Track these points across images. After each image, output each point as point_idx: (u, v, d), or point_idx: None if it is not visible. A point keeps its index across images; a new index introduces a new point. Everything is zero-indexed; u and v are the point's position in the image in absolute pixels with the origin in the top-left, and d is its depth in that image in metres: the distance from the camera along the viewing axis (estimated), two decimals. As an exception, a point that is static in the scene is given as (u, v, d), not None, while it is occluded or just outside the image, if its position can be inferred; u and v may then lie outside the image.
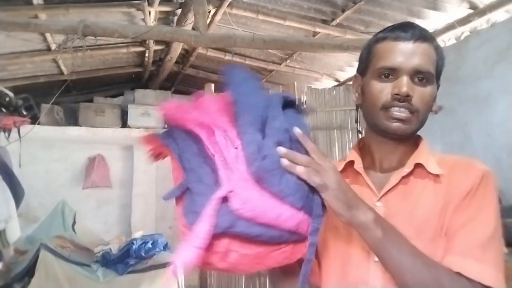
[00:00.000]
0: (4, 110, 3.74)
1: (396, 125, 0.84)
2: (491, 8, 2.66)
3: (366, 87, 0.89)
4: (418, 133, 0.91)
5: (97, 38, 2.88)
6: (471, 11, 2.78)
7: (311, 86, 3.50)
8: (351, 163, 0.93)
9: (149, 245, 3.43)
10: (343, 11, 3.16)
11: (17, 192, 3.39)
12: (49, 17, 3.02)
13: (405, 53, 0.84)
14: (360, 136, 3.13)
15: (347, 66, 4.29)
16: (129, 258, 3.33)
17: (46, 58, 3.85)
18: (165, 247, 3.59)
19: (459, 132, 2.72)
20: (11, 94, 3.76)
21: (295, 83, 3.31)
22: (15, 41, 3.22)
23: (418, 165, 0.86)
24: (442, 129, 2.85)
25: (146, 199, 5.43)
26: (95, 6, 3.11)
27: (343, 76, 4.53)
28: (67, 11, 3.00)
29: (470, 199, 0.80)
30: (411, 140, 0.91)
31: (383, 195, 0.86)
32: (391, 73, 0.85)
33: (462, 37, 2.90)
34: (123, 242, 3.54)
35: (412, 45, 0.84)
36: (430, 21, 3.02)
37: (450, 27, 2.95)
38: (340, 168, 0.93)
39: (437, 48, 0.87)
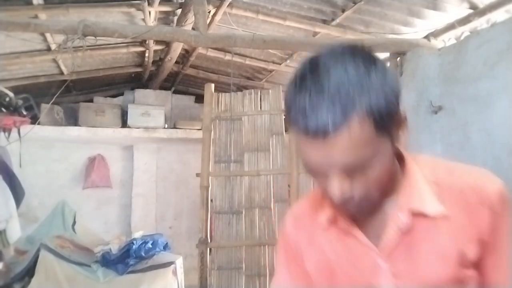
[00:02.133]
0: (4, 110, 3.75)
1: (348, 214, 0.76)
2: (491, 8, 2.66)
3: (302, 162, 0.72)
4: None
5: (97, 38, 2.88)
6: (471, 11, 2.78)
7: (311, 86, 3.50)
8: (334, 219, 0.80)
9: (149, 245, 3.43)
10: (343, 11, 3.16)
11: (17, 192, 3.39)
12: (49, 17, 3.02)
13: (322, 155, 0.65)
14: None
15: (347, 66, 4.29)
16: (129, 258, 3.33)
17: (46, 58, 3.85)
18: (165, 247, 3.59)
19: (459, 132, 2.71)
20: (11, 94, 3.77)
21: (295, 83, 3.30)
22: (15, 41, 3.22)
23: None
24: (442, 129, 2.85)
25: (146, 199, 5.43)
26: (95, 6, 3.11)
27: (343, 76, 4.53)
28: (67, 11, 3.00)
29: (499, 233, 0.74)
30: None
31: (384, 252, 0.76)
32: (318, 173, 0.70)
33: (462, 37, 2.90)
34: (123, 242, 3.54)
35: (326, 145, 0.63)
36: (430, 21, 3.02)
37: (450, 27, 2.95)
38: (323, 222, 0.81)
39: (369, 105, 0.63)
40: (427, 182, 0.75)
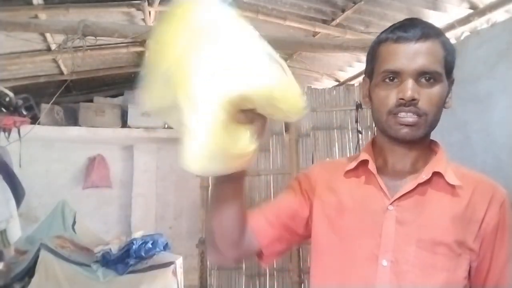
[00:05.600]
0: (4, 110, 3.75)
1: (404, 131, 0.82)
2: (491, 8, 2.66)
3: (373, 91, 0.87)
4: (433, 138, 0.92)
5: (97, 38, 2.88)
6: (471, 11, 2.78)
7: (311, 86, 3.50)
8: (364, 162, 0.90)
9: (149, 245, 3.43)
10: (343, 11, 3.16)
11: (17, 192, 3.39)
12: (49, 17, 3.02)
13: (407, 55, 0.81)
14: (360, 136, 3.12)
15: (347, 66, 4.29)
16: (129, 258, 3.33)
17: (46, 58, 3.85)
18: (165, 247, 3.60)
19: (459, 132, 2.71)
20: (11, 94, 3.77)
21: (295, 83, 3.30)
22: (15, 41, 3.22)
23: (436, 174, 0.84)
24: (442, 129, 2.84)
25: (146, 199, 5.43)
26: (95, 6, 3.11)
27: (343, 76, 4.53)
28: (67, 11, 3.00)
29: (501, 234, 0.83)
30: (425, 144, 0.89)
31: (395, 200, 0.84)
32: (395, 77, 0.83)
33: (462, 37, 2.90)
34: (123, 242, 3.54)
35: (414, 46, 0.81)
36: (430, 21, 3.02)
37: (450, 27, 2.95)
38: (352, 166, 0.91)
39: (444, 43, 0.84)
40: (449, 165, 0.87)
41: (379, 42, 0.87)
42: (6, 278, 3.13)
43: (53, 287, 3.02)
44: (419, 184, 0.83)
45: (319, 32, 3.49)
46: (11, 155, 3.49)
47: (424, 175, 0.84)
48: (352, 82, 4.28)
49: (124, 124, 4.95)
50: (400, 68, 0.82)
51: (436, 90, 0.82)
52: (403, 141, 0.85)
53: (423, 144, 0.89)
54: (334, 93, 3.26)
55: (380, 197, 0.85)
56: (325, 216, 0.90)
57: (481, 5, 2.72)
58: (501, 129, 2.42)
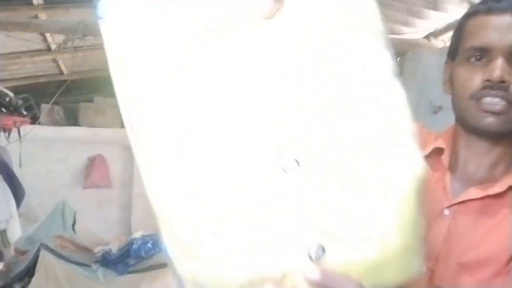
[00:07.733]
0: (4, 110, 3.75)
1: (488, 120, 0.67)
2: (491, 8, 2.66)
3: (454, 73, 0.73)
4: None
5: (97, 38, 2.88)
6: (471, 11, 2.79)
7: (311, 86, 3.50)
8: (440, 150, 0.77)
9: (149, 245, 3.43)
10: (343, 11, 3.16)
11: (17, 192, 3.39)
12: (49, 17, 3.02)
13: (499, 29, 0.66)
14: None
15: (347, 66, 4.29)
16: (129, 258, 3.33)
17: (46, 58, 3.85)
18: (165, 247, 3.60)
19: (459, 132, 2.72)
20: (11, 94, 3.77)
21: (295, 83, 3.30)
22: (15, 41, 3.22)
23: None
24: (442, 129, 2.85)
25: (146, 199, 5.36)
26: (95, 6, 3.12)
27: (343, 76, 4.53)
28: (67, 11, 3.00)
29: None
30: (511, 143, 0.72)
31: (454, 205, 0.71)
32: (482, 55, 0.68)
33: (462, 37, 2.90)
34: (123, 242, 3.54)
35: (510, 18, 0.66)
36: (430, 21, 3.03)
37: (450, 27, 2.95)
38: (426, 152, 0.76)
39: None
40: None
41: (467, 16, 0.73)
42: (6, 278, 3.13)
43: (53, 287, 3.02)
44: (488, 196, 0.69)
45: (319, 32, 3.50)
46: (11, 155, 3.49)
47: (498, 187, 0.68)
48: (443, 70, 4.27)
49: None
50: (489, 44, 0.67)
51: None
52: (485, 133, 0.70)
53: (509, 142, 0.71)
54: (334, 93, 3.26)
55: (440, 197, 0.73)
56: None
57: (481, 5, 2.73)
58: (501, 129, 2.42)
